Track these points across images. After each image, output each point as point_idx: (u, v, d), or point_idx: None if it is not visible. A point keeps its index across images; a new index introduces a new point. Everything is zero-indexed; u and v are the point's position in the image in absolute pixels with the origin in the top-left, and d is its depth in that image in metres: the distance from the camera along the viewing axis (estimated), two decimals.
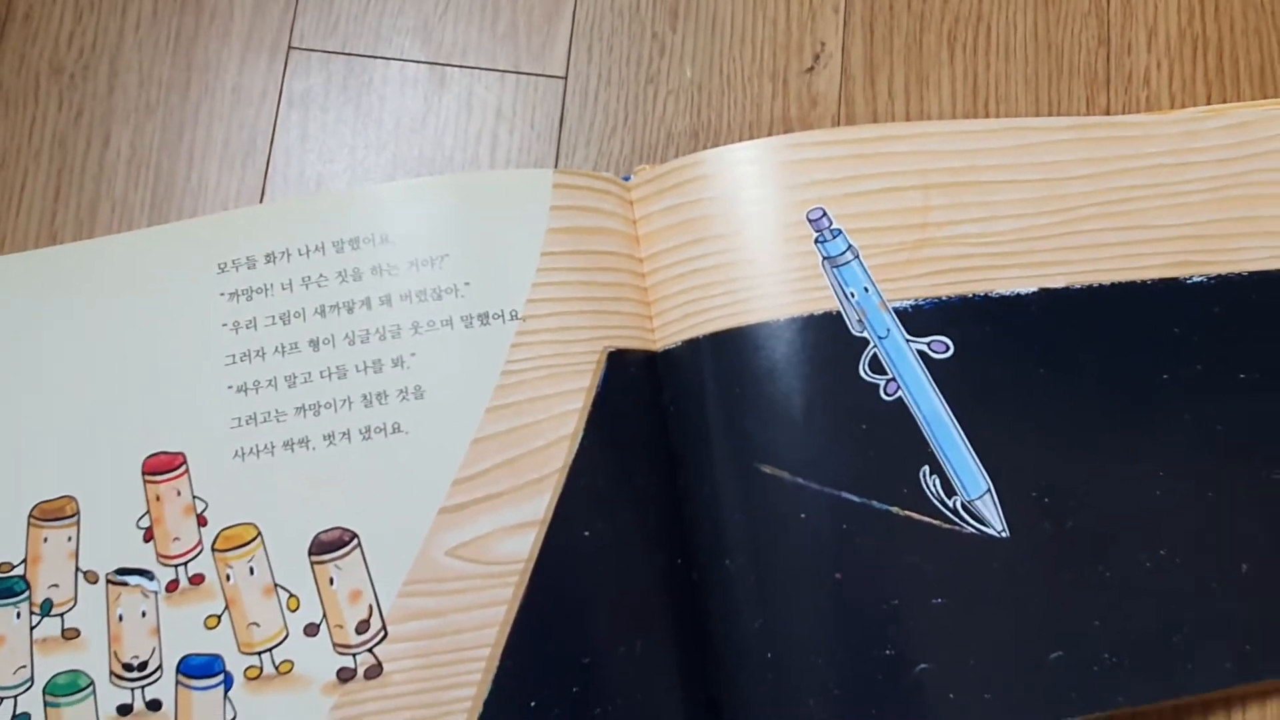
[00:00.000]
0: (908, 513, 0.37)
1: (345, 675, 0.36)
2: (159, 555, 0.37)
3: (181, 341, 0.38)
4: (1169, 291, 0.40)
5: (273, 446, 0.37)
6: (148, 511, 0.37)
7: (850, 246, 0.39)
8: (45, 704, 0.36)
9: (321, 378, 0.38)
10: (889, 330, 0.39)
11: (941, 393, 0.38)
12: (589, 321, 0.38)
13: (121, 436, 0.37)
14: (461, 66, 0.44)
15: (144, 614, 0.36)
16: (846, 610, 0.37)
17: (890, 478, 0.38)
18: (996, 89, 0.45)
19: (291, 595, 0.36)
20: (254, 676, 0.36)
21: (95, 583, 0.36)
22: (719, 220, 0.39)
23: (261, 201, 0.42)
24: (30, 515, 0.37)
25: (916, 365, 0.39)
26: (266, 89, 0.43)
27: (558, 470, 0.37)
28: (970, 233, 0.40)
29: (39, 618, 0.36)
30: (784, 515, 0.37)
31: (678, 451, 0.38)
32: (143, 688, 0.36)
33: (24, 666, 0.36)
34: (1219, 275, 0.41)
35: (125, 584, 0.36)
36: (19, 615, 0.36)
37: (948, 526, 0.38)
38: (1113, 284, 0.40)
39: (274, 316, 0.38)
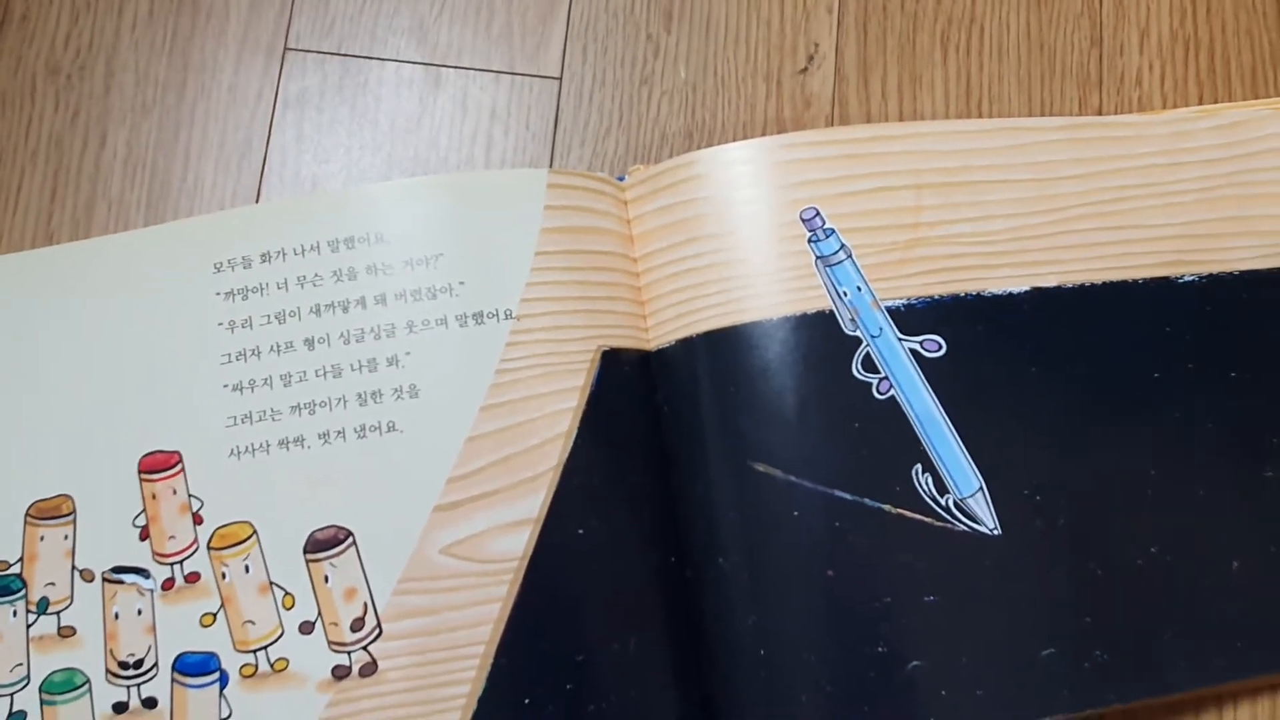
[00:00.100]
0: (900, 511, 0.38)
1: (340, 673, 0.36)
2: (155, 553, 0.37)
3: (177, 341, 0.38)
4: (1160, 291, 0.41)
5: (268, 445, 0.37)
6: (144, 510, 0.37)
7: (843, 246, 0.39)
8: (41, 702, 0.36)
9: (317, 377, 0.38)
10: (882, 329, 0.39)
11: (934, 391, 0.39)
12: (583, 320, 0.38)
13: (118, 435, 0.37)
14: (456, 67, 0.44)
15: (140, 612, 0.36)
16: (839, 608, 0.37)
17: (883, 476, 0.38)
18: (989, 89, 0.45)
19: (287, 593, 0.36)
20: (249, 674, 0.36)
21: (91, 581, 0.37)
22: (713, 220, 0.39)
23: (257, 201, 0.42)
24: (27, 514, 0.37)
25: (909, 364, 0.39)
26: (262, 89, 0.43)
27: (552, 469, 0.37)
28: (963, 232, 0.40)
29: (35, 616, 0.36)
30: (777, 513, 0.37)
31: (671, 450, 0.38)
32: (138, 685, 0.36)
33: (20, 664, 0.36)
34: (1210, 274, 0.41)
35: (121, 582, 0.36)
36: (15, 613, 0.36)
37: (940, 524, 0.38)
38: (1104, 283, 0.40)
39: (269, 316, 0.38)
